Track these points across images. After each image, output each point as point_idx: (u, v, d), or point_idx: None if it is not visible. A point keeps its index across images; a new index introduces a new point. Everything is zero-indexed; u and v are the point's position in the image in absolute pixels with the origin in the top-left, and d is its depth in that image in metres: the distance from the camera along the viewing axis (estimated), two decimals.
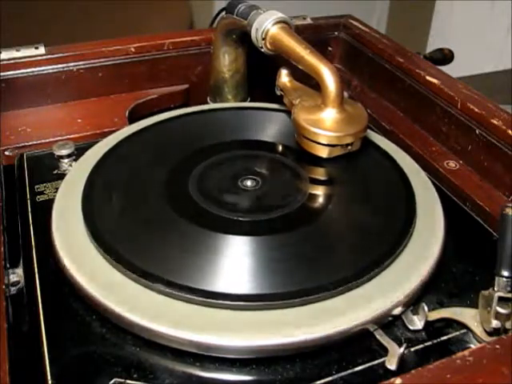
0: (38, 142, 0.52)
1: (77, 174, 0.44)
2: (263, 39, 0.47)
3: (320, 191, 0.44)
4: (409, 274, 0.36)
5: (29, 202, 0.44)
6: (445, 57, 0.70)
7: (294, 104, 0.47)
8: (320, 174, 0.46)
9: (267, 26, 0.46)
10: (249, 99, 0.61)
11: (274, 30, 0.46)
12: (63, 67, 0.57)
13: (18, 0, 1.24)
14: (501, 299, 0.32)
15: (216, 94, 0.59)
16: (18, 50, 0.56)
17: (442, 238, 0.39)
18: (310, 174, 0.45)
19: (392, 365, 0.31)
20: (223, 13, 0.54)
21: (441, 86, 0.52)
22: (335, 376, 0.31)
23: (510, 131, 0.45)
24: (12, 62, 0.55)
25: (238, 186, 0.44)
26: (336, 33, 0.68)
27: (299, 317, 0.32)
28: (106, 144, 0.48)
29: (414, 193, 0.42)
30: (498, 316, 0.32)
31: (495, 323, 0.32)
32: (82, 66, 0.58)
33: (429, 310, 0.34)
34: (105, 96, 0.60)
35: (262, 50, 0.48)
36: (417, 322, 0.34)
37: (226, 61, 0.57)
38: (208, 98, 0.61)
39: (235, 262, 0.36)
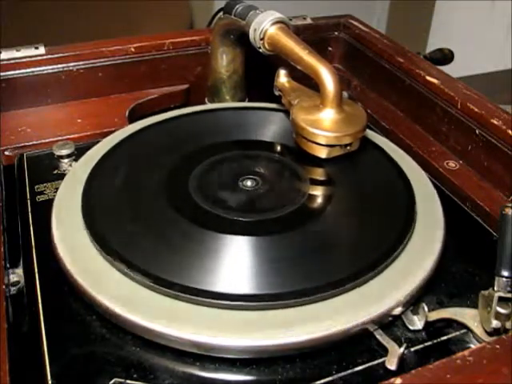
0: (38, 142, 0.52)
1: (77, 174, 0.44)
2: (261, 39, 0.47)
3: (319, 191, 0.44)
4: (409, 273, 0.36)
5: (29, 202, 0.44)
6: (445, 57, 0.70)
7: (292, 104, 0.46)
8: (319, 174, 0.46)
9: (265, 26, 0.46)
10: (247, 99, 0.61)
11: (272, 31, 0.46)
12: (63, 67, 0.57)
13: (18, 0, 1.24)
14: (501, 299, 0.32)
15: (214, 94, 0.59)
16: (18, 50, 0.56)
17: (441, 238, 0.39)
18: (309, 175, 0.45)
19: (392, 365, 0.31)
20: (221, 13, 0.54)
21: (441, 86, 0.52)
22: (335, 376, 0.31)
23: (510, 131, 0.45)
24: (12, 62, 0.55)
25: (238, 186, 0.44)
26: (336, 33, 0.68)
27: (299, 317, 0.32)
28: (105, 144, 0.48)
29: (413, 193, 0.42)
30: (497, 316, 0.32)
31: (495, 323, 0.32)
32: (82, 66, 0.58)
33: (429, 310, 0.34)
34: (105, 96, 0.59)
35: (260, 51, 0.48)
36: (417, 322, 0.34)
37: (224, 61, 0.57)
38: (206, 99, 0.61)
39: (235, 262, 0.36)
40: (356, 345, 0.33)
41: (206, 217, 0.40)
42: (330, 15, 0.70)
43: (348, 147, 0.44)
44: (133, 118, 0.56)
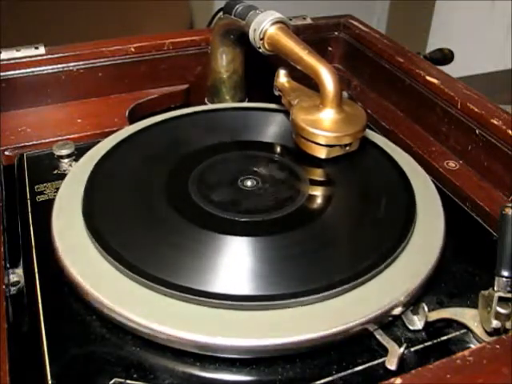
0: (38, 142, 0.52)
1: (77, 174, 0.44)
2: (261, 39, 0.47)
3: (319, 192, 0.44)
4: (409, 273, 0.36)
5: (29, 202, 0.44)
6: (445, 57, 0.70)
7: (292, 104, 0.46)
8: (319, 174, 0.46)
9: (265, 26, 0.46)
10: (246, 100, 0.60)
11: (272, 31, 0.46)
12: (63, 67, 0.57)
13: (18, 0, 1.24)
14: (501, 299, 0.32)
15: (214, 94, 0.59)
16: (18, 50, 0.56)
17: (442, 237, 0.39)
18: (309, 175, 0.45)
19: (392, 365, 0.31)
20: (221, 13, 0.54)
21: (441, 86, 0.52)
22: (335, 376, 0.31)
23: (510, 131, 0.45)
24: (12, 61, 0.55)
25: (238, 186, 0.44)
26: (336, 33, 0.68)
27: (299, 317, 0.32)
28: (106, 144, 0.48)
29: (413, 193, 0.42)
30: (497, 316, 0.32)
31: (495, 323, 0.32)
32: (82, 66, 0.58)
33: (429, 310, 0.34)
34: (105, 96, 0.59)
35: (260, 51, 0.48)
36: (417, 322, 0.34)
37: (224, 61, 0.57)
38: (206, 99, 0.61)
39: (235, 263, 0.36)
40: (356, 345, 0.33)
41: (206, 217, 0.40)
42: (330, 15, 0.70)
43: (348, 147, 0.44)
44: (133, 118, 0.56)
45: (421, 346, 0.33)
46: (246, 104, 0.59)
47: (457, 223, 0.43)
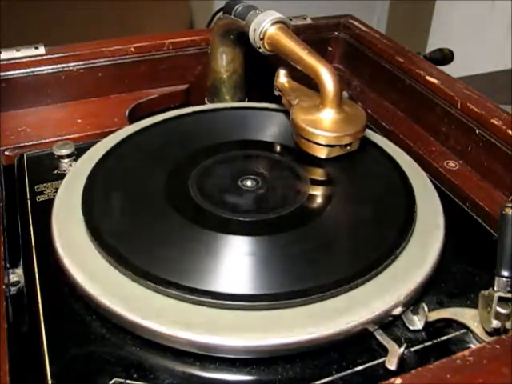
0: (38, 142, 0.52)
1: (77, 174, 0.44)
2: (261, 39, 0.47)
3: (319, 191, 0.44)
4: (409, 273, 0.36)
5: (29, 202, 0.44)
6: (445, 57, 0.70)
7: (292, 104, 0.46)
8: (319, 174, 0.46)
9: (265, 26, 0.46)
10: (246, 100, 0.60)
11: (272, 31, 0.46)
12: (63, 67, 0.57)
13: (18, 0, 1.24)
14: (501, 299, 0.32)
15: (214, 94, 0.59)
16: (18, 50, 0.56)
17: (441, 237, 0.39)
18: (309, 175, 0.45)
19: (392, 365, 0.31)
20: (220, 13, 0.54)
21: (441, 86, 0.53)
22: (335, 376, 0.31)
23: (510, 131, 0.45)
24: (12, 61, 0.55)
25: (238, 186, 0.44)
26: (336, 33, 0.68)
27: (299, 317, 0.32)
28: (106, 144, 0.48)
29: (413, 193, 0.42)
30: (497, 316, 0.32)
31: (495, 323, 0.32)
32: (82, 66, 0.58)
33: (429, 310, 0.34)
34: (105, 96, 0.60)
35: (260, 51, 0.48)
36: (417, 322, 0.34)
37: (224, 61, 0.57)
38: (206, 99, 0.61)
39: (235, 262, 0.36)
40: (356, 345, 0.33)
41: (206, 217, 0.40)
42: (330, 15, 0.70)
43: (348, 147, 0.44)
44: (133, 118, 0.56)
45: (421, 346, 0.33)
46: (245, 104, 0.59)
47: (457, 223, 0.43)
